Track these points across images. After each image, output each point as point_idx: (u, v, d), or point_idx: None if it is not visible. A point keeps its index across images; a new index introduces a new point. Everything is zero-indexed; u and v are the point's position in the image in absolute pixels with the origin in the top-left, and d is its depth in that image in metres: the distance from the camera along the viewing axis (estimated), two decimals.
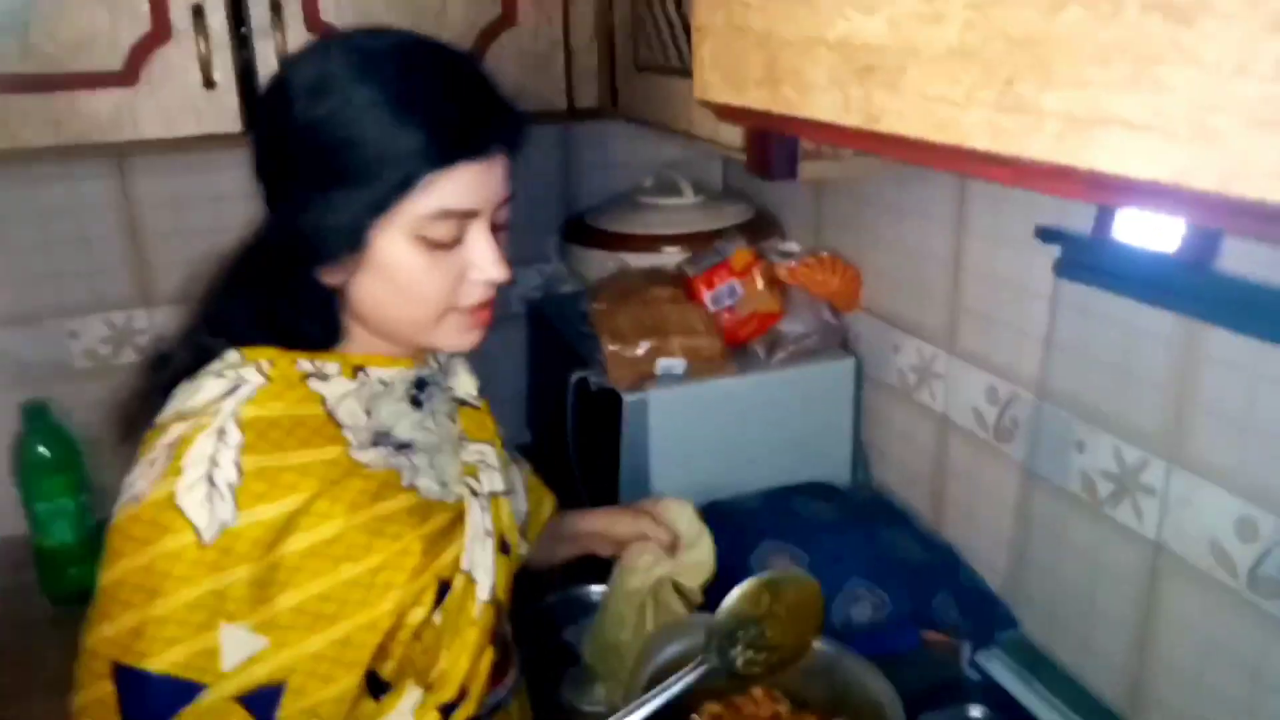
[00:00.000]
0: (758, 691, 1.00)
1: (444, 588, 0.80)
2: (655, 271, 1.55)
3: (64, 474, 1.40)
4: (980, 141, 0.51)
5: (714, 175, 1.87)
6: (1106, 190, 0.46)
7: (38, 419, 1.40)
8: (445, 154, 0.75)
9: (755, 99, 0.72)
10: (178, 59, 1.25)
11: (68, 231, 1.55)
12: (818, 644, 1.02)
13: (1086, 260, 1.03)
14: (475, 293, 0.82)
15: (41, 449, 1.40)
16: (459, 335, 0.84)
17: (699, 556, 1.06)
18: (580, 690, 1.08)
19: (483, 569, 0.84)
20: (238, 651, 0.71)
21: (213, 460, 0.72)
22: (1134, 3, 0.42)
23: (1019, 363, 1.18)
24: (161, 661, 0.69)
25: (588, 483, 1.50)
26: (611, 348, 1.37)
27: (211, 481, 0.72)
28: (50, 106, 1.22)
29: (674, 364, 1.39)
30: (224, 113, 1.28)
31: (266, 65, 1.28)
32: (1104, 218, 1.00)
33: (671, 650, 1.00)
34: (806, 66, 0.65)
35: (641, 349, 1.38)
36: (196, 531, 0.70)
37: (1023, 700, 1.11)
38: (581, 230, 1.68)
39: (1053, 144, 0.47)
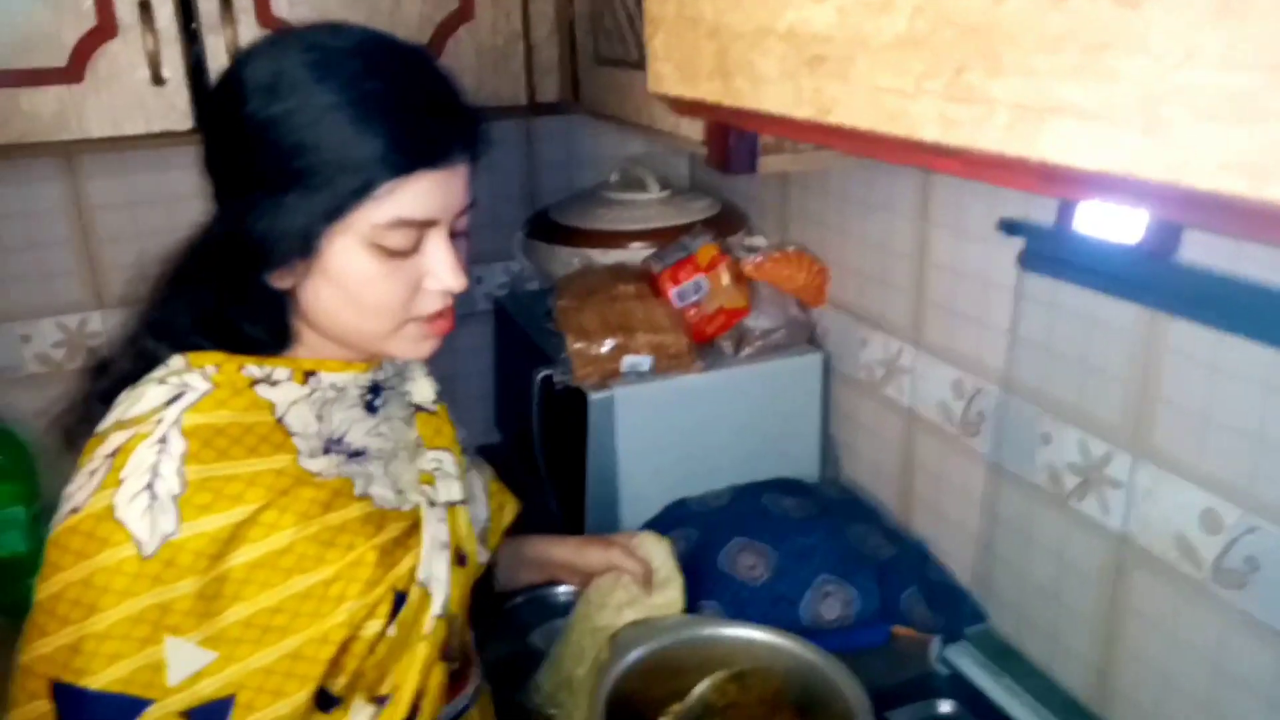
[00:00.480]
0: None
1: (400, 599, 0.78)
2: (620, 268, 1.53)
3: (14, 482, 1.37)
4: (931, 133, 0.49)
5: (681, 170, 1.85)
6: (1058, 182, 0.44)
7: None
8: (405, 162, 0.72)
9: (708, 91, 0.71)
10: (124, 55, 1.22)
11: (18, 233, 1.51)
12: (786, 640, 1.02)
13: (1049, 252, 1.02)
14: (432, 302, 0.79)
15: None
16: (414, 345, 0.82)
17: (668, 598, 1.03)
18: (544, 698, 1.06)
19: (438, 582, 0.81)
20: (185, 666, 0.69)
21: (154, 470, 0.70)
22: None
23: (984, 356, 1.17)
24: (103, 678, 0.67)
25: (555, 482, 1.48)
26: (576, 345, 1.35)
27: (153, 492, 0.69)
28: None
29: (640, 361, 1.37)
30: (173, 110, 1.25)
31: (217, 61, 1.24)
32: (1066, 209, 0.99)
33: (638, 653, 0.99)
34: (757, 57, 0.63)
35: (606, 346, 1.36)
36: (137, 544, 0.68)
37: (991, 694, 1.10)
38: (546, 226, 1.65)
39: (1003, 134, 0.45)
